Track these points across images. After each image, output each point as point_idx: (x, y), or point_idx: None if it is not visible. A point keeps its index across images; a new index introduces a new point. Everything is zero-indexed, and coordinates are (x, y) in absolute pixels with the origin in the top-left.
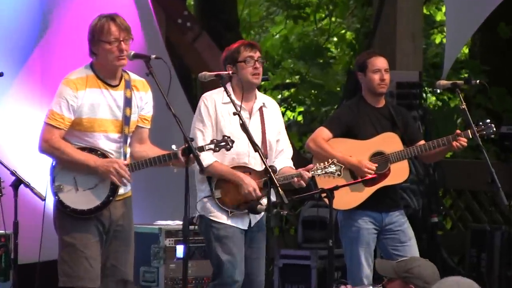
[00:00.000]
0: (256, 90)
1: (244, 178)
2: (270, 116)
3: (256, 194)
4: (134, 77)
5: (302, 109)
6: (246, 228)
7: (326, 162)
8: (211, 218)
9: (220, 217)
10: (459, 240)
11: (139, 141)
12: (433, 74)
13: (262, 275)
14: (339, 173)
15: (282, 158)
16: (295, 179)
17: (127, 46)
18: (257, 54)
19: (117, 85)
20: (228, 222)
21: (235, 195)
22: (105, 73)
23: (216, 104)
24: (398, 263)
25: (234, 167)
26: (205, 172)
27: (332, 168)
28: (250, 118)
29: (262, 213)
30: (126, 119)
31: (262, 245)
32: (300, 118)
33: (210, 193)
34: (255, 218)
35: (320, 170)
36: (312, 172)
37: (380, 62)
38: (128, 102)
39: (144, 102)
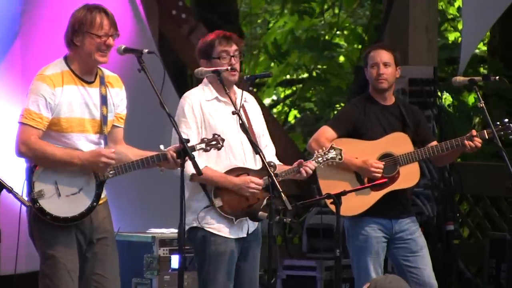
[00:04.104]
0: (234, 85)
1: (238, 180)
2: (252, 111)
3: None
4: (107, 73)
5: (312, 105)
6: (245, 235)
7: (324, 148)
8: (211, 231)
9: (221, 230)
10: (476, 250)
11: (114, 142)
12: (450, 71)
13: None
14: (340, 157)
15: (268, 156)
16: (301, 171)
17: (114, 43)
18: (233, 48)
19: (93, 82)
20: (229, 235)
21: (237, 201)
22: (82, 67)
23: (201, 103)
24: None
25: (231, 170)
26: (196, 179)
27: (332, 153)
28: None
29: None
30: (104, 118)
31: (257, 255)
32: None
33: (208, 202)
34: (253, 225)
35: (321, 158)
36: (314, 161)
37: (378, 56)
38: (104, 100)
39: (119, 98)
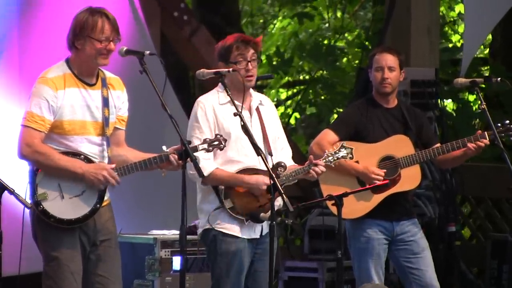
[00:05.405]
0: (251, 88)
1: (250, 179)
2: (268, 113)
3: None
4: (109, 74)
5: (314, 110)
6: (258, 236)
7: (334, 147)
8: (221, 230)
9: (231, 229)
10: (478, 251)
11: (116, 144)
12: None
13: None
14: (351, 155)
15: (284, 158)
16: (312, 171)
17: (115, 47)
18: (250, 53)
19: (94, 84)
20: (240, 234)
21: (247, 202)
22: (83, 70)
23: (214, 107)
24: None
25: (242, 170)
26: (207, 181)
27: (343, 152)
28: (251, 117)
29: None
30: (106, 120)
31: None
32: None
33: (219, 203)
34: (267, 227)
35: (331, 157)
36: (324, 161)
37: (384, 59)
38: (105, 102)
39: (121, 101)
